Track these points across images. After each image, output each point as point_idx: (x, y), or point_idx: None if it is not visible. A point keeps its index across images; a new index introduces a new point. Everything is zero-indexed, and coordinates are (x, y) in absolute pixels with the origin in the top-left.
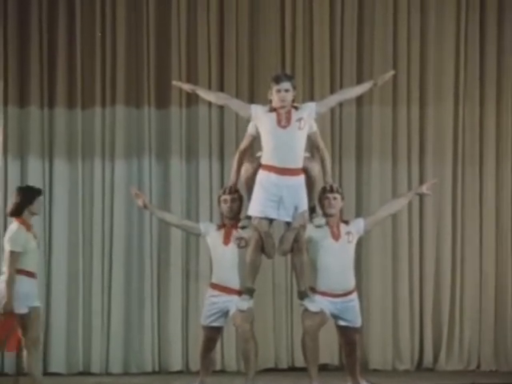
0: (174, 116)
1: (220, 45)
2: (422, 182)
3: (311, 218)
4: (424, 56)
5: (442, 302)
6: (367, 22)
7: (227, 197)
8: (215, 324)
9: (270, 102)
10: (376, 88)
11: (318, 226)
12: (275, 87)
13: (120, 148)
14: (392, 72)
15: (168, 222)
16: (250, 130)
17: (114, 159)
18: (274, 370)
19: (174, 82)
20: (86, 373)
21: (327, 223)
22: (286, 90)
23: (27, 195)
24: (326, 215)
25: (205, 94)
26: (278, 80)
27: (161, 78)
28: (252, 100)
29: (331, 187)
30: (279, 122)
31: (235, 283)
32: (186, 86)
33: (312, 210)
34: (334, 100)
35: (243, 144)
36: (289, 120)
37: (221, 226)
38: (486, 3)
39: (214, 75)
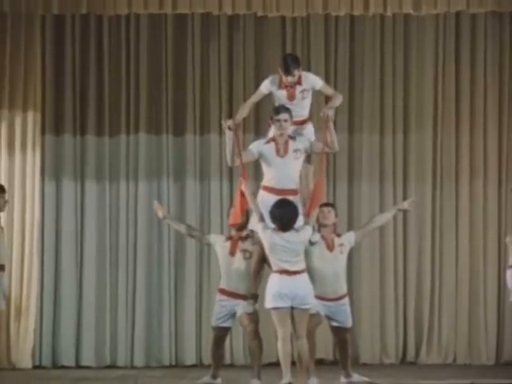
0: (188, 142)
1: (229, 83)
2: (405, 200)
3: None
4: (407, 90)
5: (423, 304)
6: (357, 67)
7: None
8: (224, 325)
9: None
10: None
11: (313, 243)
12: (275, 117)
13: (142, 171)
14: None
15: (182, 232)
16: (263, 88)
17: (136, 180)
18: (277, 364)
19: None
20: (113, 366)
21: (322, 236)
22: (285, 120)
23: None
24: (320, 225)
25: (230, 151)
26: (277, 111)
27: (177, 110)
28: (258, 127)
29: (326, 202)
30: (278, 151)
31: (241, 289)
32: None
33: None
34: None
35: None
36: (286, 150)
37: (228, 238)
38: (460, 43)
39: (224, 112)
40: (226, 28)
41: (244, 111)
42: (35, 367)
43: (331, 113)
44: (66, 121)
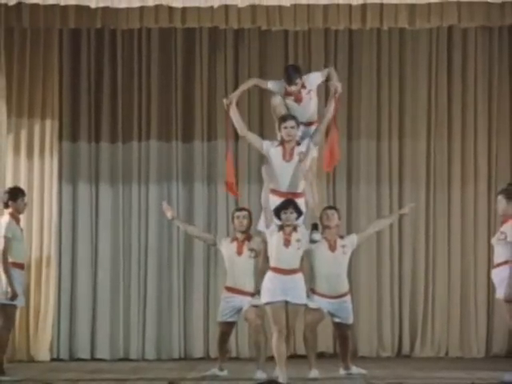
0: (197, 149)
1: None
2: (401, 203)
3: (311, 234)
4: (402, 99)
5: (417, 303)
6: (355, 77)
7: (239, 213)
8: (229, 320)
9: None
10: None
11: (313, 241)
12: (282, 124)
13: (153, 175)
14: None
15: (189, 233)
16: (269, 84)
17: (148, 184)
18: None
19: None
20: (126, 358)
21: (325, 237)
22: (292, 127)
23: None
24: (324, 227)
25: (236, 122)
26: (284, 119)
27: (186, 118)
28: (261, 132)
29: (330, 206)
30: (284, 156)
31: (247, 286)
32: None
33: (314, 226)
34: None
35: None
36: (292, 155)
37: (234, 239)
38: (452, 55)
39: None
40: (232, 41)
41: (242, 89)
42: (53, 360)
43: (339, 86)
44: (82, 128)
